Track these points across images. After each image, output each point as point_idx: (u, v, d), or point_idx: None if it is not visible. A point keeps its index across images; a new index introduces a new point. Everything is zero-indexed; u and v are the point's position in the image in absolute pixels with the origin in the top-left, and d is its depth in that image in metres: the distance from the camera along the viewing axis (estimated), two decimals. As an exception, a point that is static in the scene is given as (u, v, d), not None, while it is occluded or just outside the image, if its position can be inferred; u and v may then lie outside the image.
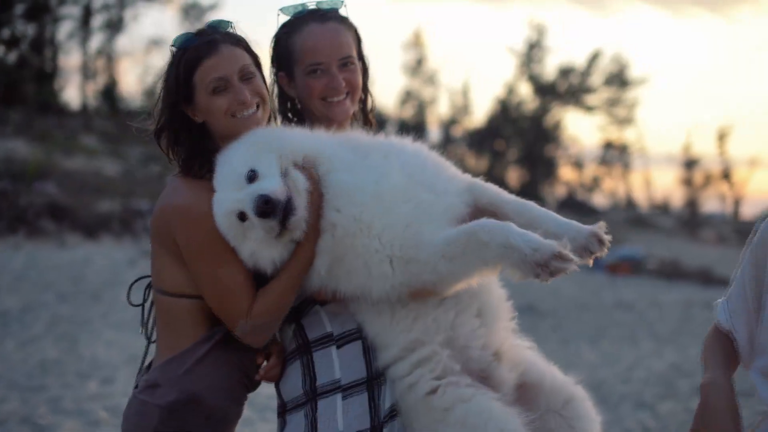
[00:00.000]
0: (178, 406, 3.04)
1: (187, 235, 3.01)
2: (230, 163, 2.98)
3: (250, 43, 3.17)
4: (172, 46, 3.13)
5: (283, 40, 3.28)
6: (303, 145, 3.04)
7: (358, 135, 3.18)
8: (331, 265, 2.95)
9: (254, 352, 3.19)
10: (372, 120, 3.48)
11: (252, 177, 2.90)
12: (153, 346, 3.31)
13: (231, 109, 3.05)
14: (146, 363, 3.28)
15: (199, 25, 3.21)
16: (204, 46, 3.05)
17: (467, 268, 2.87)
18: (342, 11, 3.35)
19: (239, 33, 3.21)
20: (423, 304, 3.01)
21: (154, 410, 3.04)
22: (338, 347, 3.10)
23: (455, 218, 2.99)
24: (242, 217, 2.87)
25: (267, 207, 2.78)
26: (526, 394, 3.12)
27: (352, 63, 3.29)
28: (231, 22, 3.24)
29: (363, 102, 3.44)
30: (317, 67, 3.24)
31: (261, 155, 2.93)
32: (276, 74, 3.33)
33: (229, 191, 2.92)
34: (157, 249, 3.14)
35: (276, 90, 3.35)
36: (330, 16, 3.30)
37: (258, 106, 3.12)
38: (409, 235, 2.89)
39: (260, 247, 2.92)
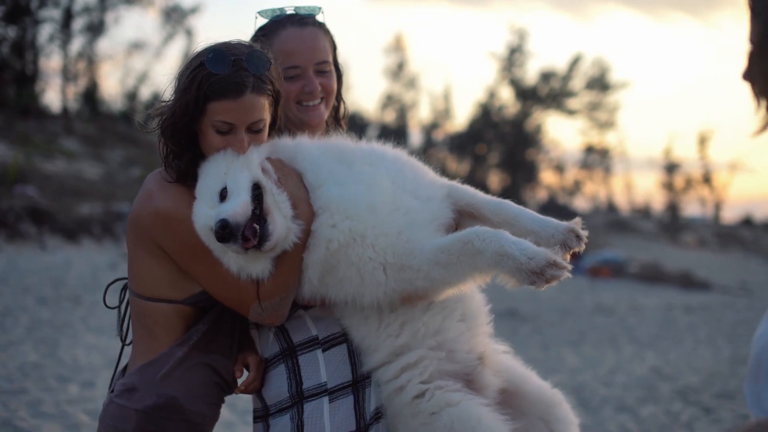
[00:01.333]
0: (156, 410, 3.04)
1: (174, 240, 3.00)
2: (207, 175, 2.96)
3: (276, 84, 3.03)
4: (202, 56, 2.95)
5: (260, 42, 3.28)
6: (286, 158, 3.04)
7: (340, 142, 3.16)
8: (323, 274, 2.96)
9: (231, 355, 3.19)
10: (344, 127, 3.49)
11: (223, 194, 2.89)
12: (128, 349, 3.29)
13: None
14: (121, 365, 3.27)
15: (226, 39, 3.03)
16: (231, 86, 2.91)
17: (461, 275, 2.87)
18: (319, 17, 3.37)
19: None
20: (411, 309, 3.02)
21: (131, 414, 3.04)
22: (324, 350, 3.10)
23: (443, 224, 3.01)
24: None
25: (224, 233, 2.76)
26: (509, 399, 3.13)
27: (328, 68, 3.32)
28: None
29: (335, 109, 3.46)
30: (294, 71, 3.25)
31: (234, 170, 2.91)
32: None
33: (205, 206, 2.91)
34: (135, 252, 3.12)
35: None
36: (308, 21, 3.32)
37: None
38: (402, 242, 2.89)
39: (245, 263, 2.92)
